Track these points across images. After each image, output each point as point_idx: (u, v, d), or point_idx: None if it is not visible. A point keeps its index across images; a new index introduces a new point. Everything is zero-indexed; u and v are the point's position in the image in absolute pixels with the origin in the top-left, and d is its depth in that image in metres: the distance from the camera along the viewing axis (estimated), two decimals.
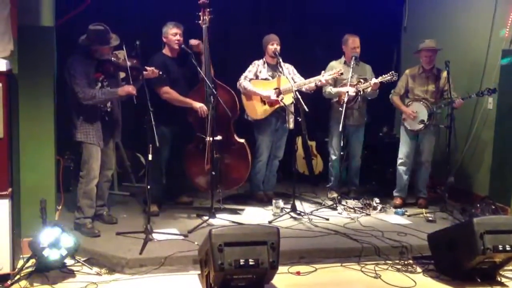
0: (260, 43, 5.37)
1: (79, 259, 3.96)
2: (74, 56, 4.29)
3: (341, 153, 5.50)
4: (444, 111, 5.44)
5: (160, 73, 4.58)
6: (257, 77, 5.30)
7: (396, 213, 5.28)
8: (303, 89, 5.21)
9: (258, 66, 5.32)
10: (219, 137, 4.84)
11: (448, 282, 3.87)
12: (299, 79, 5.30)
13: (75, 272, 3.83)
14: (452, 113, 5.12)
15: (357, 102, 5.43)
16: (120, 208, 5.17)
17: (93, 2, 5.31)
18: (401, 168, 5.53)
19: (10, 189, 3.60)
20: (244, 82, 5.26)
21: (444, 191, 5.37)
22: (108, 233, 4.38)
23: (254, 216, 5.07)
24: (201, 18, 4.93)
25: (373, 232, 4.62)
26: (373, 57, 5.70)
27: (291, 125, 5.28)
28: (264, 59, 5.35)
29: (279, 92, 5.22)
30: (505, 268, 3.96)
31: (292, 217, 4.98)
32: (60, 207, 4.70)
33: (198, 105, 4.87)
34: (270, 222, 4.79)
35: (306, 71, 5.38)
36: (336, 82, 5.46)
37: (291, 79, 5.15)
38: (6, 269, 3.59)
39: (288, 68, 5.31)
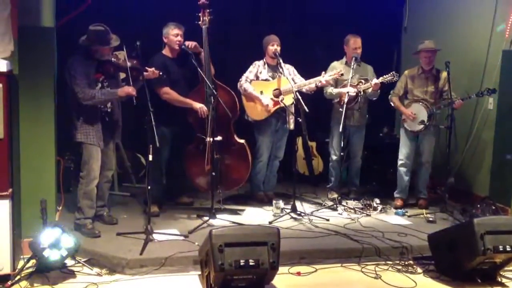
0: (260, 44, 5.37)
1: (80, 259, 3.96)
2: (75, 56, 4.29)
3: (341, 153, 5.50)
4: (444, 112, 5.44)
5: (161, 73, 4.58)
6: (257, 77, 5.30)
7: (396, 213, 5.28)
8: (304, 90, 5.21)
9: (258, 67, 5.32)
10: (219, 138, 4.84)
11: (449, 282, 3.87)
12: (300, 80, 5.30)
13: (75, 273, 3.83)
14: (452, 114, 5.12)
15: (358, 103, 5.43)
16: (121, 208, 5.17)
17: (93, 2, 5.31)
18: (401, 170, 5.53)
19: (10, 190, 3.60)
20: (245, 84, 5.26)
21: (445, 192, 5.37)
22: (109, 234, 4.38)
23: (254, 216, 5.07)
24: (201, 19, 4.93)
25: (373, 232, 4.62)
26: (373, 57, 5.70)
27: (292, 126, 5.29)
28: (264, 59, 5.35)
29: (279, 93, 5.22)
30: (506, 268, 3.95)
31: (292, 217, 4.98)
32: (61, 207, 4.70)
33: (198, 105, 4.87)
34: (270, 223, 4.79)
35: (306, 72, 5.38)
36: (337, 82, 5.46)
37: (291, 79, 5.15)
38: (6, 269, 3.59)
39: (288, 69, 5.31)
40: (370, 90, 5.34)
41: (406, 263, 4.13)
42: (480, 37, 5.58)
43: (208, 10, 4.93)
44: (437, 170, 5.72)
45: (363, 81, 5.38)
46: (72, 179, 5.32)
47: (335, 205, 5.33)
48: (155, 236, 4.27)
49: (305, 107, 4.88)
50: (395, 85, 5.50)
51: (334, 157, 5.66)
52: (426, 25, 6.52)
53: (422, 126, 5.27)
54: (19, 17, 3.98)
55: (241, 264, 3.30)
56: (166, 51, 4.99)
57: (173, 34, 4.87)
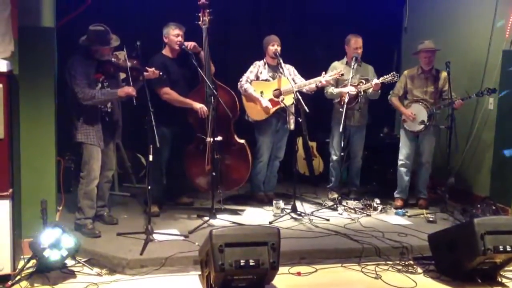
0: (260, 44, 5.37)
1: (80, 259, 3.96)
2: (75, 56, 4.29)
3: (342, 153, 5.50)
4: (444, 112, 5.44)
5: (161, 73, 4.58)
6: (258, 78, 5.30)
7: (396, 213, 5.28)
8: (304, 90, 5.21)
9: (259, 67, 5.32)
10: (219, 138, 4.84)
11: (449, 282, 3.87)
12: (300, 80, 5.30)
13: (75, 273, 3.83)
14: (452, 114, 5.11)
15: (358, 103, 5.43)
16: (121, 208, 5.17)
17: (93, 2, 5.31)
18: (401, 170, 5.53)
19: (10, 190, 3.61)
20: (246, 84, 5.26)
21: (445, 192, 5.36)
22: (109, 234, 4.38)
23: (254, 216, 5.07)
24: (201, 19, 4.93)
25: (373, 232, 4.62)
26: (373, 57, 5.70)
27: (292, 126, 5.29)
28: (264, 60, 5.35)
29: (279, 93, 5.22)
30: (506, 268, 3.95)
31: (292, 217, 4.98)
32: (61, 207, 4.70)
33: (198, 105, 4.87)
34: (270, 223, 4.79)
35: (307, 72, 5.38)
36: (338, 82, 5.47)
37: (291, 80, 5.15)
38: (6, 269, 3.59)
39: (288, 69, 5.31)
40: (370, 90, 5.34)
41: (406, 263, 4.13)
42: (480, 37, 5.58)
43: (208, 10, 4.92)
44: (437, 170, 5.72)
45: (363, 81, 5.38)
46: (72, 179, 5.33)
47: (335, 205, 5.33)
48: (155, 236, 4.27)
49: (306, 107, 4.88)
50: (395, 85, 5.50)
51: (334, 157, 5.66)
52: (426, 25, 6.52)
53: (422, 126, 5.27)
54: (19, 17, 3.98)
55: (241, 264, 3.30)
56: (166, 51, 4.99)
57: (174, 34, 4.87)
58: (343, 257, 4.22)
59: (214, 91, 4.73)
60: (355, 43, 5.42)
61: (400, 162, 5.53)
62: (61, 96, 4.45)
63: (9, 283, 3.58)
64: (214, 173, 4.75)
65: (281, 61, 5.19)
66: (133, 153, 6.07)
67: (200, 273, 3.79)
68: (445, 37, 5.98)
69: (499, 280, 3.90)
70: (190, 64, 4.83)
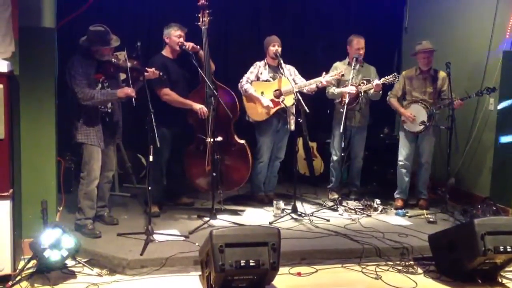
0: (260, 44, 5.38)
1: (80, 260, 3.96)
2: (75, 56, 4.29)
3: (342, 154, 5.50)
4: (444, 112, 5.43)
5: (161, 74, 4.58)
6: (258, 78, 5.30)
7: (397, 214, 5.28)
8: (304, 90, 5.20)
9: (259, 68, 5.32)
10: (219, 138, 4.84)
11: (449, 283, 3.87)
12: (300, 80, 5.30)
13: (76, 273, 3.83)
14: (453, 114, 5.11)
15: (359, 104, 5.43)
16: (121, 209, 5.17)
17: (94, 3, 5.31)
18: (401, 171, 5.52)
19: (11, 190, 3.61)
20: (246, 84, 5.26)
21: (445, 192, 5.36)
22: (109, 234, 4.38)
23: (255, 217, 5.07)
24: (201, 19, 4.92)
25: (374, 233, 4.62)
26: (374, 58, 5.70)
27: (292, 126, 5.29)
28: (265, 60, 5.35)
29: (280, 93, 5.22)
30: (506, 269, 3.95)
31: (293, 218, 4.98)
32: (61, 208, 4.70)
33: (198, 106, 4.86)
34: (271, 223, 4.79)
35: (307, 72, 5.38)
36: (339, 83, 5.47)
37: (292, 80, 5.16)
38: (7, 270, 3.59)
39: (289, 70, 5.32)
40: (372, 91, 5.34)
41: (407, 263, 4.13)
42: (480, 37, 5.58)
43: (207, 11, 4.92)
44: (437, 171, 5.72)
45: (365, 81, 5.38)
46: (72, 180, 5.34)
47: (335, 206, 5.34)
48: (155, 236, 4.27)
49: (306, 108, 4.89)
50: (392, 86, 5.50)
51: (335, 158, 5.66)
52: (426, 25, 6.52)
53: (422, 126, 5.27)
54: (20, 18, 3.98)
55: (242, 264, 3.30)
56: (166, 52, 4.98)
57: (176, 35, 4.86)
58: (343, 257, 4.22)
59: (214, 91, 4.73)
60: (357, 43, 5.42)
61: (400, 163, 5.52)
62: (62, 97, 4.45)
63: (10, 283, 3.58)
64: (214, 174, 4.75)
65: (282, 61, 5.19)
66: (134, 153, 6.07)
67: (200, 273, 3.78)
68: (445, 37, 5.99)
69: (500, 280, 3.90)
70: (191, 65, 4.83)
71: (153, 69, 4.54)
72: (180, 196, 5.36)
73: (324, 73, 5.20)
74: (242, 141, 5.16)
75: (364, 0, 6.83)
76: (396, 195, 5.57)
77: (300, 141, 6.23)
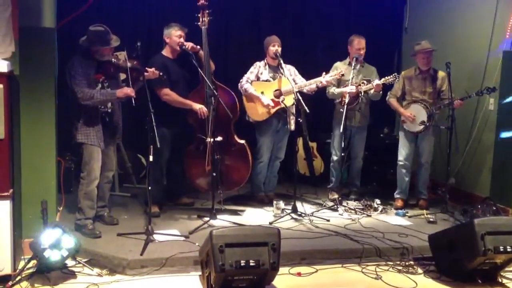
0: (260, 44, 5.38)
1: (80, 260, 3.96)
2: (75, 57, 4.29)
3: (342, 154, 5.50)
4: (444, 112, 5.43)
5: (161, 74, 4.58)
6: (258, 78, 5.30)
7: (397, 214, 5.28)
8: (304, 90, 5.20)
9: (259, 68, 5.32)
10: (219, 138, 4.84)
11: (449, 283, 3.87)
12: (300, 80, 5.30)
13: (76, 273, 3.83)
14: (453, 114, 5.11)
15: (359, 104, 5.43)
16: (121, 209, 5.17)
17: (94, 3, 5.31)
18: (401, 171, 5.52)
19: (11, 190, 3.61)
20: (246, 84, 5.26)
21: (445, 192, 5.36)
22: (109, 234, 4.38)
23: (255, 217, 5.07)
24: (200, 19, 4.92)
25: (374, 233, 4.62)
26: (374, 58, 5.70)
27: (292, 126, 5.29)
28: (265, 60, 5.35)
29: (280, 93, 5.22)
30: (506, 269, 3.95)
31: (293, 218, 4.98)
32: (61, 208, 4.70)
33: (197, 106, 4.86)
34: (271, 223, 4.79)
35: (307, 72, 5.38)
36: (339, 83, 5.47)
37: (292, 80, 5.16)
38: (7, 270, 3.59)
39: (289, 69, 5.32)
40: (372, 91, 5.34)
41: (407, 263, 4.13)
42: (480, 37, 5.58)
43: (207, 11, 4.92)
44: (437, 171, 5.72)
45: (365, 81, 5.38)
46: (72, 180, 5.34)
47: (335, 206, 5.34)
48: (155, 236, 4.27)
49: (306, 108, 4.89)
50: (392, 86, 5.50)
51: (335, 158, 5.66)
52: (426, 25, 6.52)
53: (422, 126, 5.27)
54: (20, 18, 3.98)
55: (242, 264, 3.30)
56: (166, 52, 4.98)
57: (176, 35, 4.86)
58: (343, 257, 4.22)
59: (214, 91, 4.73)
60: (358, 43, 5.42)
61: (399, 163, 5.52)
62: (62, 97, 4.45)
63: (10, 283, 3.58)
64: (214, 174, 4.75)
65: (282, 61, 5.19)
66: (134, 153, 6.07)
67: (200, 273, 3.78)
68: (445, 37, 5.98)
69: (500, 280, 3.91)
70: (191, 65, 4.83)
71: (153, 69, 4.54)
72: (180, 196, 5.36)
73: (324, 73, 5.20)
74: (242, 141, 5.16)
75: (364, 0, 6.83)
76: (396, 195, 5.57)
77: (300, 141, 6.23)
